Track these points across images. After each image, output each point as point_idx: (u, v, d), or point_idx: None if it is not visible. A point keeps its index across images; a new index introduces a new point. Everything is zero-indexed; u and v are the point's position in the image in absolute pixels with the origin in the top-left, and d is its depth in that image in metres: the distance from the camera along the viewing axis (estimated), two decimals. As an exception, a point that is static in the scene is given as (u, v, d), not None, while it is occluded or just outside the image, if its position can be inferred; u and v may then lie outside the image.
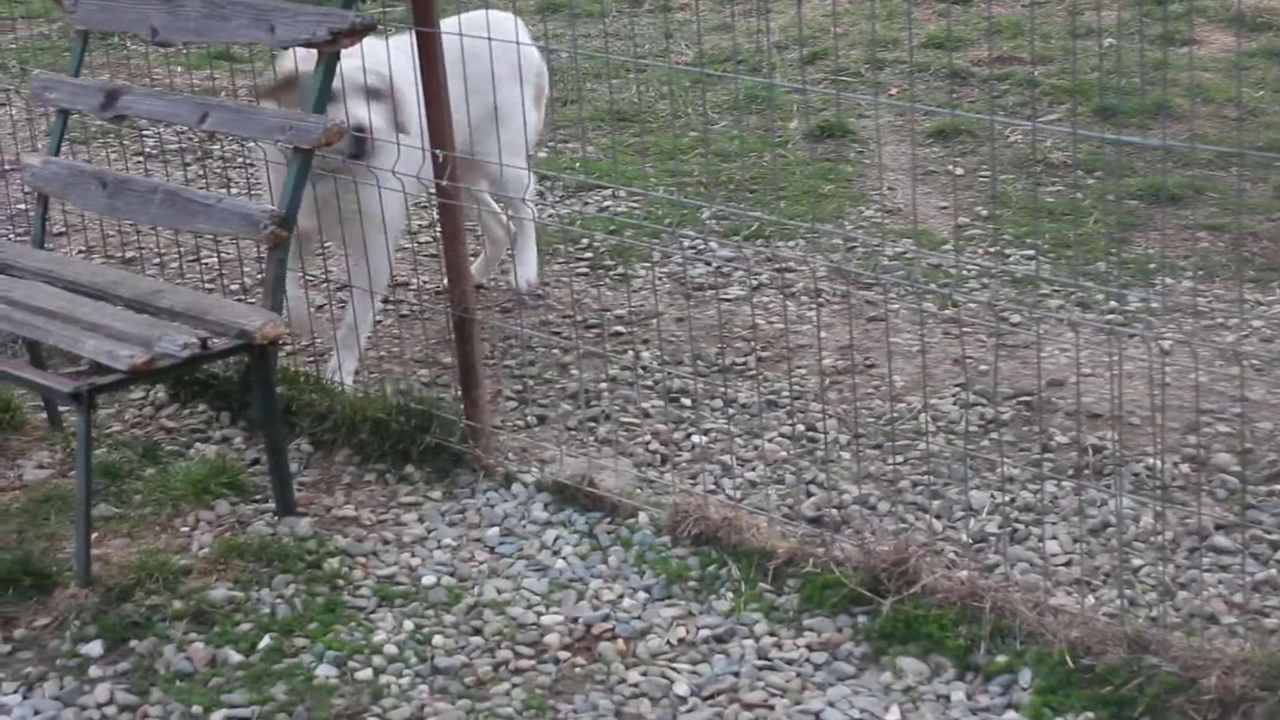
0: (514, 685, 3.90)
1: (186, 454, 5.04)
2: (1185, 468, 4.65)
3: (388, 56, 5.03)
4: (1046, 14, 9.36)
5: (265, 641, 4.08)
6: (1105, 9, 8.64)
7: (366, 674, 3.95)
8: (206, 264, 6.23)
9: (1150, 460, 4.65)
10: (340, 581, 4.34)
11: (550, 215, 6.85)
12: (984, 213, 6.66)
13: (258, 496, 4.76)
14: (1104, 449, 4.77)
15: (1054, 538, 4.34)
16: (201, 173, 6.98)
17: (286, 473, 4.65)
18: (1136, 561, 4.22)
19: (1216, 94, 7.81)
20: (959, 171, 7.23)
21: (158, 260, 6.36)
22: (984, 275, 5.99)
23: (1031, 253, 6.19)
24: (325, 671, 3.95)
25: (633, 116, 7.99)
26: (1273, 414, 4.88)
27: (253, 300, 5.72)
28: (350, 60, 4.91)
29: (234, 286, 6.08)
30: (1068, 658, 3.70)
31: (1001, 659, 3.78)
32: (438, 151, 4.66)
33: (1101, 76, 7.80)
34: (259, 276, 5.82)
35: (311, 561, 4.41)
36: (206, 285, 5.99)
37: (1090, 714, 3.59)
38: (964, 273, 6.06)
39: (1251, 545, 4.25)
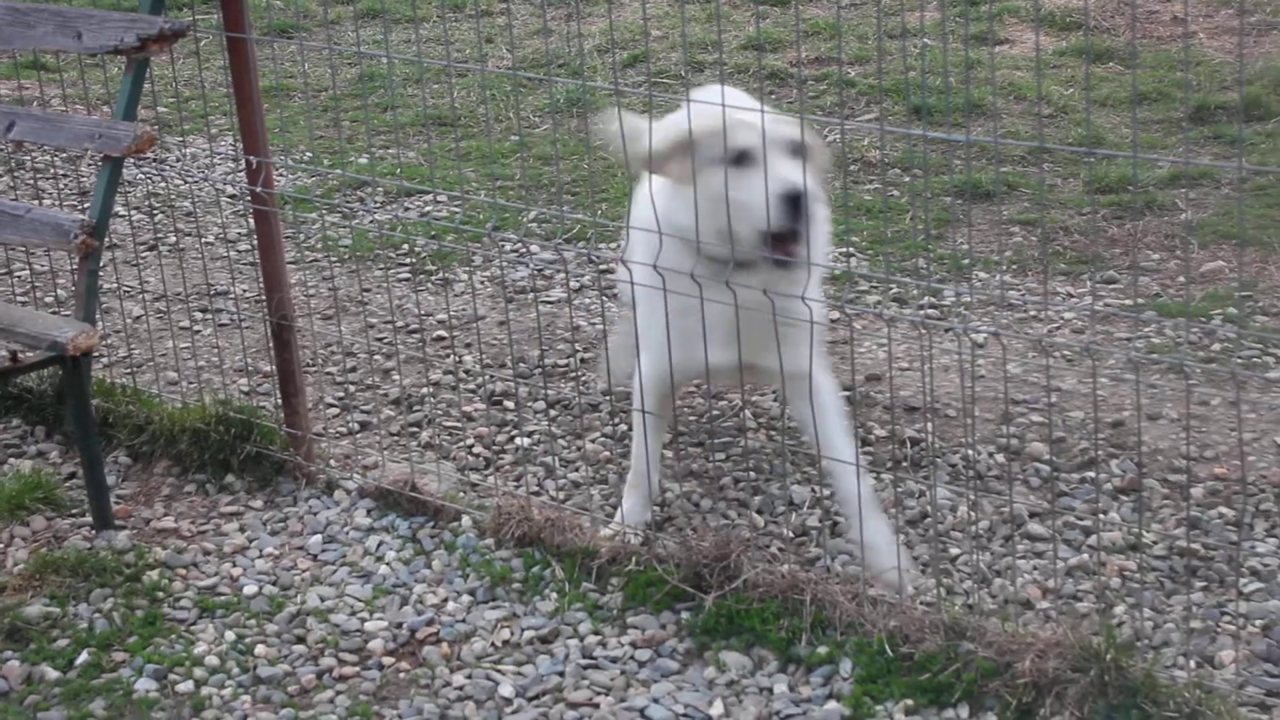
0: (338, 693, 3.88)
1: (0, 470, 4.95)
2: (999, 457, 4.74)
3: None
4: (861, 15, 9.48)
5: (83, 657, 4.02)
6: (917, 11, 8.76)
7: (188, 686, 3.90)
8: (19, 277, 6.12)
9: (965, 451, 4.74)
10: (160, 594, 4.29)
11: (370, 221, 6.82)
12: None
13: (75, 511, 4.69)
14: (920, 441, 4.84)
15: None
16: (12, 184, 6.85)
17: (103, 485, 4.58)
18: (953, 550, 4.29)
19: (1028, 92, 7.95)
20: (777, 171, 7.27)
21: (-32, 273, 6.25)
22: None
23: (848, 250, 6.27)
24: (145, 685, 3.90)
25: (452, 121, 7.97)
26: (1083, 403, 4.98)
27: (66, 312, 5.62)
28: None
29: (48, 299, 5.98)
30: (887, 647, 3.75)
31: (822, 650, 3.82)
32: (251, 158, 4.61)
33: (917, 75, 7.91)
34: (72, 288, 5.72)
35: (130, 575, 4.35)
36: (19, 298, 5.88)
37: (909, 701, 3.65)
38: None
39: (1064, 532, 4.33)
